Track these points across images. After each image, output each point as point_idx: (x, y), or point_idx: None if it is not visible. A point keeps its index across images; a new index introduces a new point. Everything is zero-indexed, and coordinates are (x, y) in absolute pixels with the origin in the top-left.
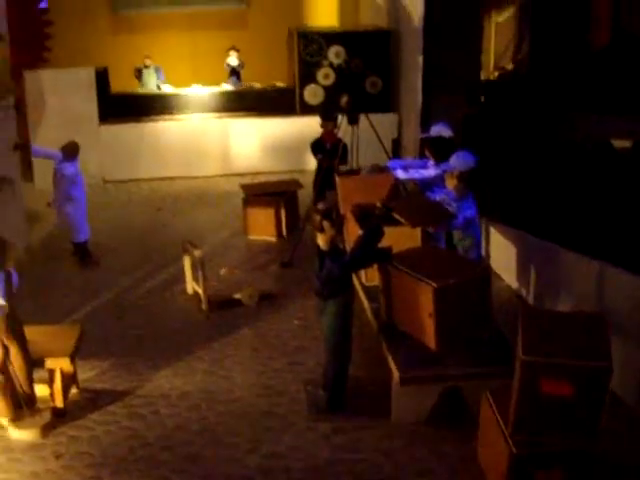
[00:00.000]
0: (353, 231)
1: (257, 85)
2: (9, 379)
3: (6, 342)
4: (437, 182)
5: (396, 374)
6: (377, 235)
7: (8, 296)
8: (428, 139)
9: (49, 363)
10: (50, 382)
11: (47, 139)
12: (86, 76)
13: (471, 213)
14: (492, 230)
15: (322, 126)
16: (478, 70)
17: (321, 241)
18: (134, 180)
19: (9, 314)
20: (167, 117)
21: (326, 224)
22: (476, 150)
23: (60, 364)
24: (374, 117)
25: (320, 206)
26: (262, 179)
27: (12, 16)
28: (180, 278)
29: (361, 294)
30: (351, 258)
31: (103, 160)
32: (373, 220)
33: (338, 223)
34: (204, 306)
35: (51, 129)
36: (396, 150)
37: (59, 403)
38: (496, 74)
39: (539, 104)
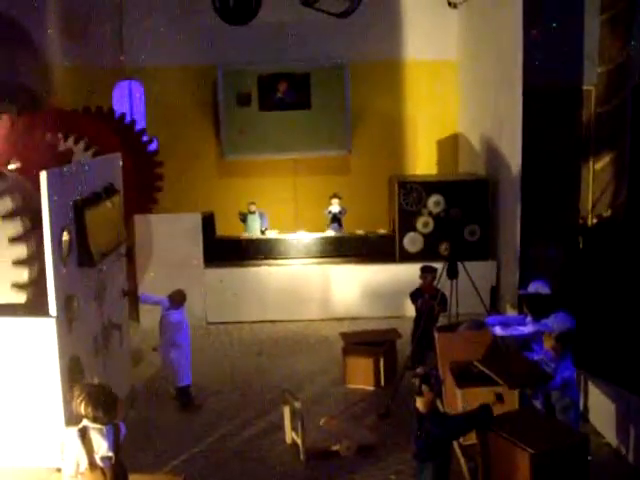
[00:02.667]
0: (451, 390)
1: (359, 232)
2: None
3: None
4: (535, 339)
5: None
6: (487, 417)
7: (115, 448)
8: (526, 296)
9: None
10: None
11: (153, 281)
12: (193, 221)
13: (569, 374)
14: (591, 385)
15: (421, 277)
16: (576, 217)
17: (420, 404)
18: (236, 322)
19: (115, 465)
20: (270, 261)
21: (425, 388)
22: (574, 306)
23: None
24: (472, 265)
25: (419, 370)
26: (361, 324)
27: (126, 162)
28: (279, 425)
29: (458, 452)
30: (454, 424)
31: (207, 302)
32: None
33: (437, 387)
34: (302, 457)
35: (157, 272)
36: (494, 298)
37: None
38: (594, 220)
39: (638, 252)
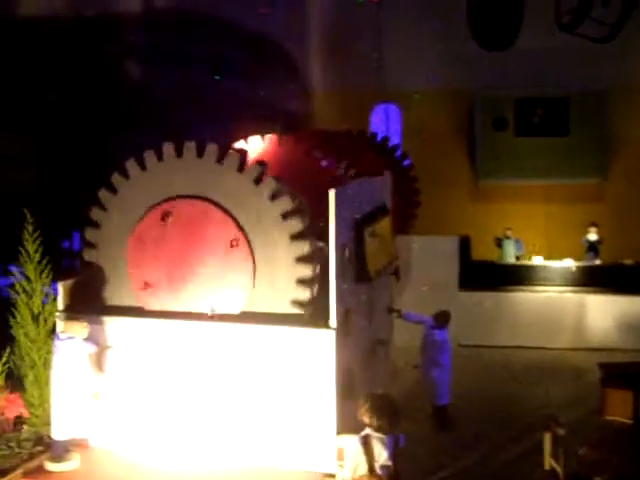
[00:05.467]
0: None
1: (620, 261)
2: None
3: None
4: None
5: None
6: None
7: (394, 458)
8: None
9: None
10: None
11: (407, 303)
12: (450, 244)
13: None
14: None
15: None
16: None
17: None
18: (488, 346)
19: (393, 474)
20: (524, 288)
21: None
22: None
23: None
24: None
25: None
26: (617, 356)
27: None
28: (535, 451)
29: None
30: None
31: (460, 325)
32: None
33: None
34: None
35: (412, 291)
36: None
37: None
38: None
39: None
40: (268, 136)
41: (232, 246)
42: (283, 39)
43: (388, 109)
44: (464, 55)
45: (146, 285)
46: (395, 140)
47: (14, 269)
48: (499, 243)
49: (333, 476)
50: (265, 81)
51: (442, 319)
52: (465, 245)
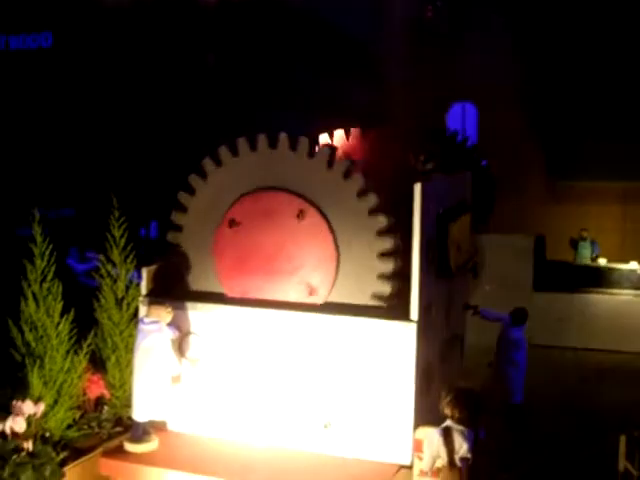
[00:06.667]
0: None
1: None
2: None
3: None
4: None
5: None
6: None
7: (472, 451)
8: None
9: None
10: None
11: (479, 301)
12: (525, 243)
13: None
14: None
15: None
16: None
17: None
18: (559, 347)
19: (471, 467)
20: (599, 289)
21: None
22: None
23: None
24: None
25: None
26: None
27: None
28: (609, 452)
29: None
30: None
31: (532, 324)
32: None
33: None
34: None
35: (485, 291)
36: None
37: None
38: None
39: None
40: (351, 130)
41: (317, 239)
42: (362, 36)
43: (465, 108)
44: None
45: (232, 273)
46: (472, 139)
47: (91, 255)
48: (574, 244)
49: (409, 468)
50: (344, 77)
51: (519, 317)
52: (540, 245)
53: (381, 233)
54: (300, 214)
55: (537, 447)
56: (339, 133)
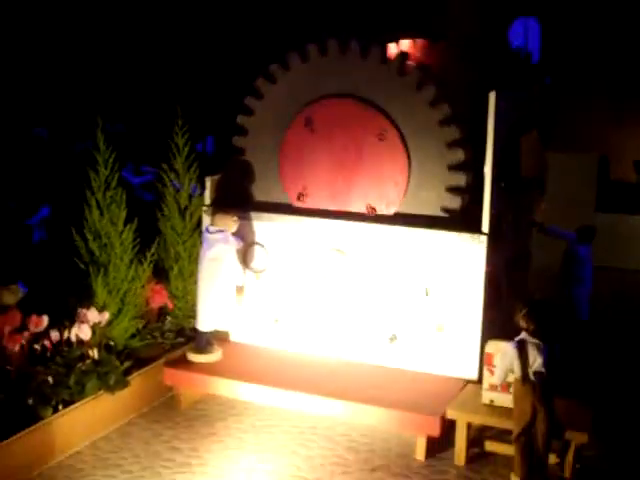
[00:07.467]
0: None
1: None
2: (529, 442)
3: (537, 406)
4: None
5: None
6: None
7: (548, 365)
8: None
9: (567, 434)
10: (563, 452)
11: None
12: (589, 163)
13: None
14: None
15: None
16: None
17: None
18: (619, 268)
19: (546, 380)
20: None
21: None
22: None
23: (577, 437)
24: None
25: None
26: None
27: None
28: None
29: None
30: None
31: (593, 245)
32: None
33: None
34: None
35: (545, 210)
36: None
37: (567, 474)
38: None
39: None
40: (418, 41)
41: (393, 156)
42: None
43: (527, 23)
44: None
45: (297, 178)
46: (535, 56)
47: (147, 169)
48: (638, 166)
49: (475, 382)
50: None
51: (587, 234)
52: (604, 165)
53: (452, 144)
54: (381, 135)
55: (605, 364)
56: (406, 43)
